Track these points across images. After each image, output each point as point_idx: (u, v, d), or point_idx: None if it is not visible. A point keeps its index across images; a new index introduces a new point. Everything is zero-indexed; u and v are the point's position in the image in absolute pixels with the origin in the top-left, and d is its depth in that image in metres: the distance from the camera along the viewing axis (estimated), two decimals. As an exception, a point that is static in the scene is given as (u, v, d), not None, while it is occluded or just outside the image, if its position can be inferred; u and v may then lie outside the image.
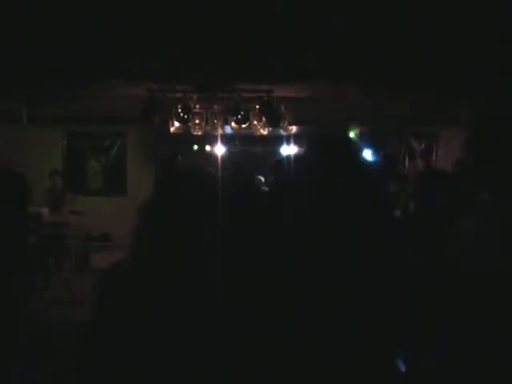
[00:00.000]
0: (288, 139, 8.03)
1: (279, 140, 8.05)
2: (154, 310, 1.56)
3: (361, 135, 6.49)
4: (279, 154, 8.25)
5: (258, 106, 6.58)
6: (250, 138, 7.55)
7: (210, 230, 1.65)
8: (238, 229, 1.77)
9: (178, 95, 6.37)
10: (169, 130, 6.79)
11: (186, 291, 1.58)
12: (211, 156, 8.48)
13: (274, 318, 1.61)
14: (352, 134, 6.00)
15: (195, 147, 8.62)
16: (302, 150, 2.13)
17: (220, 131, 6.90)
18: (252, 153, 8.51)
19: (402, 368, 1.88)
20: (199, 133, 6.78)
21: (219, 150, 8.03)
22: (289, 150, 8.03)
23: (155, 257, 1.63)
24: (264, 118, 6.59)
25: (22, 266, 2.42)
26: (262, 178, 6.89)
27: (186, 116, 6.47)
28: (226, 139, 8.11)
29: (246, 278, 1.66)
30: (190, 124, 6.59)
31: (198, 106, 6.54)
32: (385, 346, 1.74)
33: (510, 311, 1.68)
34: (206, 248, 1.64)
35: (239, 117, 6.56)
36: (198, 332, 1.56)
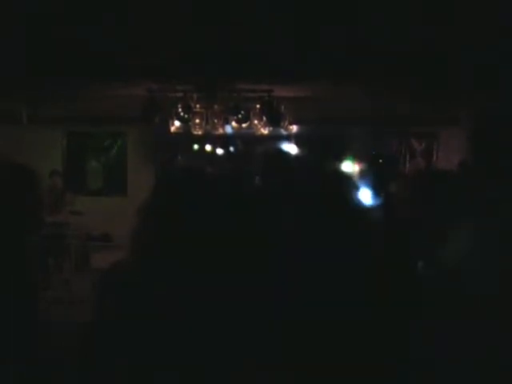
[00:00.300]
0: (288, 139, 8.03)
1: (279, 139, 8.03)
2: (154, 311, 1.56)
3: (359, 172, 6.49)
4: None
5: (258, 106, 6.59)
6: (251, 138, 7.53)
7: (210, 230, 1.65)
8: (237, 227, 1.77)
9: (179, 95, 6.38)
10: (169, 130, 6.79)
11: (186, 291, 1.58)
12: (211, 156, 8.47)
13: (274, 316, 1.61)
14: (348, 166, 5.96)
15: (195, 147, 8.60)
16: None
17: (220, 131, 6.90)
18: (252, 152, 8.48)
19: None
20: (199, 132, 6.79)
21: (220, 149, 8.03)
22: (289, 149, 8.02)
23: (155, 257, 1.63)
24: (264, 118, 6.60)
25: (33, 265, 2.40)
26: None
27: (186, 116, 6.48)
28: (227, 139, 8.10)
29: (245, 277, 1.66)
30: (190, 124, 6.60)
31: (198, 106, 6.54)
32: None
33: (510, 311, 1.68)
34: (207, 248, 1.64)
35: (240, 116, 6.56)
36: (198, 332, 1.56)
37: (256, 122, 6.68)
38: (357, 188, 2.02)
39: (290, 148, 8.00)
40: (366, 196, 2.03)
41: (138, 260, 1.66)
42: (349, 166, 5.96)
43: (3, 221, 2.24)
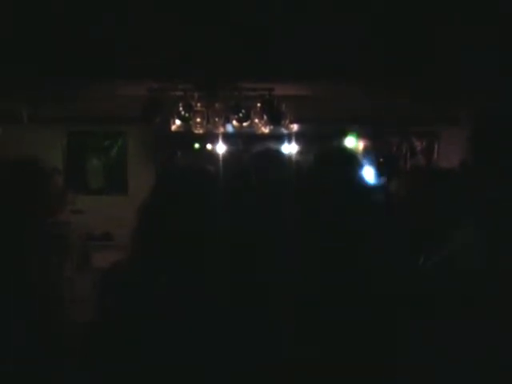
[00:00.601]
0: (289, 137, 8.01)
1: (280, 138, 8.01)
2: (154, 310, 1.56)
3: (363, 149, 6.41)
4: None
5: (259, 105, 6.57)
6: (252, 137, 7.51)
7: (210, 229, 1.65)
8: (237, 226, 1.77)
9: (179, 94, 6.37)
10: (170, 129, 6.78)
11: (186, 291, 1.58)
12: (212, 154, 8.45)
13: (271, 320, 1.61)
14: (352, 141, 5.89)
15: (196, 146, 8.58)
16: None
17: (221, 129, 6.89)
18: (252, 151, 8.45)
19: None
20: (200, 131, 6.77)
21: (220, 148, 8.00)
22: (289, 148, 8.00)
23: (155, 257, 1.64)
24: (265, 117, 6.59)
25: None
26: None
27: (187, 114, 6.46)
28: (228, 137, 8.09)
29: (243, 277, 1.66)
30: (191, 122, 6.58)
31: (199, 105, 6.52)
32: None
33: (510, 311, 1.68)
34: (205, 247, 1.64)
35: (240, 115, 6.54)
36: (197, 332, 1.56)
37: (257, 120, 6.66)
38: (360, 167, 2.01)
39: (289, 147, 7.99)
40: (369, 174, 2.01)
41: (138, 260, 1.67)
42: (352, 143, 5.90)
43: (10, 218, 2.23)
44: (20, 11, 3.60)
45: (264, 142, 7.15)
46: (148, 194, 1.75)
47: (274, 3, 3.47)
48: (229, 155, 8.19)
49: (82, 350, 1.72)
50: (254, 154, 3.63)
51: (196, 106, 6.51)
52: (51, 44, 4.25)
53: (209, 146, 8.50)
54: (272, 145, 6.36)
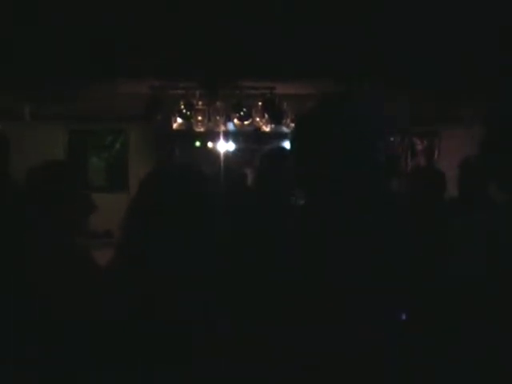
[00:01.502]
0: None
1: (282, 137, 8.01)
2: (152, 310, 1.56)
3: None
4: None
5: (260, 103, 6.60)
6: (253, 135, 7.52)
7: (209, 229, 1.66)
8: (236, 225, 1.77)
9: (181, 92, 6.38)
10: (171, 127, 6.80)
11: (182, 290, 1.58)
12: (213, 153, 8.45)
13: (269, 319, 1.61)
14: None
15: (197, 144, 8.60)
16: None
17: (222, 128, 6.92)
18: (254, 149, 8.46)
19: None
20: (201, 129, 6.79)
21: (221, 146, 8.01)
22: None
23: (143, 256, 1.63)
24: (266, 115, 6.61)
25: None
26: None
27: (188, 113, 6.49)
28: (229, 136, 8.10)
29: (239, 276, 1.66)
30: (192, 121, 6.60)
31: (200, 103, 6.55)
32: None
33: (510, 311, 1.68)
34: (196, 247, 1.64)
35: (242, 113, 6.57)
36: (196, 331, 1.57)
37: (258, 119, 6.69)
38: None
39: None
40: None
41: (128, 259, 1.67)
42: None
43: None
44: (20, 11, 3.60)
45: (265, 139, 7.18)
46: (142, 192, 1.75)
47: (274, 3, 3.47)
48: (229, 153, 8.19)
49: (82, 349, 1.72)
50: (261, 154, 3.63)
51: (197, 104, 6.53)
52: (51, 43, 4.25)
53: (210, 144, 8.51)
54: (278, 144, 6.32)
